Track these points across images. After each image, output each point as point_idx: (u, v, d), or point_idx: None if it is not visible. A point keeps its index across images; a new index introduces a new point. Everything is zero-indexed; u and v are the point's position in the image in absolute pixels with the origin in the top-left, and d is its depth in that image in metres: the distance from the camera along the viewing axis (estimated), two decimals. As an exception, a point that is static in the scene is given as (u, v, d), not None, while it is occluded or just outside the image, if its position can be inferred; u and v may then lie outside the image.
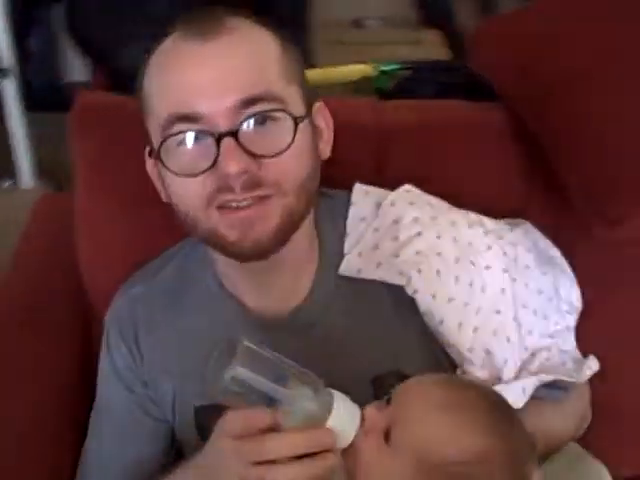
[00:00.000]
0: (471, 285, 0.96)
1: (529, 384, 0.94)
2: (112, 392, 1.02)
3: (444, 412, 0.76)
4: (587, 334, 1.09)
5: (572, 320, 1.08)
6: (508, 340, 0.97)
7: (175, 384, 0.99)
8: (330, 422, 0.76)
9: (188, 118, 0.81)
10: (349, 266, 0.97)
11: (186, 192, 0.85)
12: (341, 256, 0.98)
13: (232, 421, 0.76)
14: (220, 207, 0.84)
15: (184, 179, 0.83)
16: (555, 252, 1.09)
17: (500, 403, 0.80)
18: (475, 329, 0.95)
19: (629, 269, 1.16)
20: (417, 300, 0.94)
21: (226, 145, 0.80)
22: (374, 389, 0.93)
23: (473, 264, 0.97)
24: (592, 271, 1.11)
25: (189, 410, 0.98)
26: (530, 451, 0.78)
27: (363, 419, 0.78)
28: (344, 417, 0.77)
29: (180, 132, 0.82)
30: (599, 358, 1.05)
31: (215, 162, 0.81)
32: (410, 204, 1.00)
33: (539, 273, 1.04)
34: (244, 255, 0.86)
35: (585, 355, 1.07)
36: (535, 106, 1.17)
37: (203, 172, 0.81)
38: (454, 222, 1.00)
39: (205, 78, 0.82)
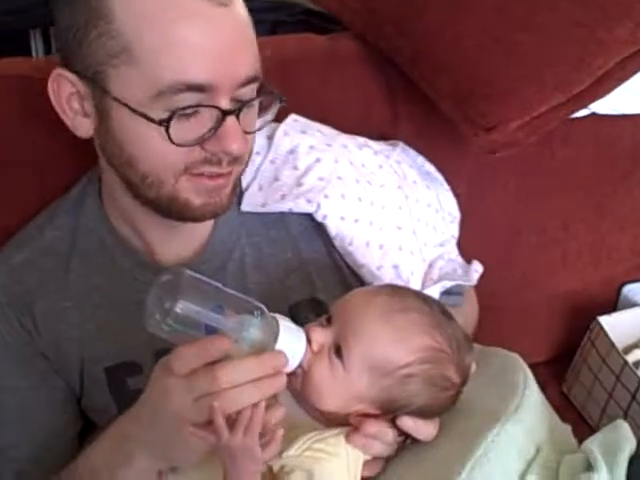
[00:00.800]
0: (372, 204, 0.98)
1: (434, 291, 1.00)
2: (8, 373, 0.93)
3: (389, 318, 0.78)
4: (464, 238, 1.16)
5: (455, 229, 1.14)
6: (412, 253, 1.01)
7: (80, 349, 0.92)
8: (278, 346, 0.75)
9: (198, 88, 0.76)
10: (251, 201, 0.95)
11: (164, 157, 0.80)
12: (240, 193, 0.96)
13: (181, 357, 0.71)
14: (195, 175, 0.81)
15: (168, 145, 0.78)
16: (430, 167, 1.14)
17: (436, 303, 0.83)
18: (381, 246, 0.98)
19: (498, 173, 1.24)
20: (327, 225, 0.95)
21: (231, 124, 0.79)
22: (291, 317, 0.93)
23: (370, 184, 0.99)
24: (464, 179, 1.17)
25: (99, 373, 0.92)
26: (468, 342, 0.82)
27: (309, 340, 0.78)
28: (291, 340, 0.76)
29: (189, 106, 0.77)
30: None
31: (212, 135, 0.79)
32: (302, 133, 1.00)
33: (424, 187, 1.09)
34: (200, 218, 0.85)
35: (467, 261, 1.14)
36: (387, 29, 1.18)
37: (197, 144, 0.79)
38: (346, 145, 1.01)
39: (222, 45, 0.76)
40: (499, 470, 0.78)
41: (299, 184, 0.95)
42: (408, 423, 0.78)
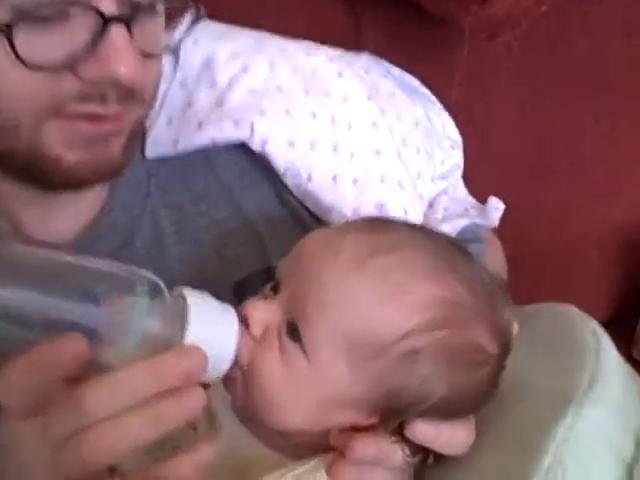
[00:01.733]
0: (333, 121, 0.69)
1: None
2: None
3: (369, 264, 0.48)
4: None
5: (458, 156, 0.85)
6: (400, 185, 0.71)
7: None
8: (189, 338, 0.45)
9: None
10: (158, 142, 0.67)
11: (16, 89, 0.54)
12: (144, 135, 0.67)
13: (7, 382, 0.43)
14: (68, 118, 0.55)
15: (18, 68, 0.52)
16: (413, 80, 0.84)
17: (444, 236, 0.53)
18: (355, 180, 0.69)
19: (502, 80, 0.94)
20: (270, 155, 0.66)
21: (118, 36, 0.53)
22: (239, 300, 0.63)
23: (327, 96, 0.70)
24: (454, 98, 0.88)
25: None
26: (502, 294, 0.52)
27: (245, 322, 0.49)
28: (211, 326, 0.47)
29: (49, 2, 0.51)
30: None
31: (90, 54, 0.53)
32: (219, 38, 0.70)
33: (407, 101, 0.79)
34: (75, 183, 0.59)
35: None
36: None
37: (65, 67, 0.53)
38: (284, 49, 0.72)
39: None
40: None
41: (220, 103, 0.66)
42: (423, 431, 0.48)
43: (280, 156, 0.65)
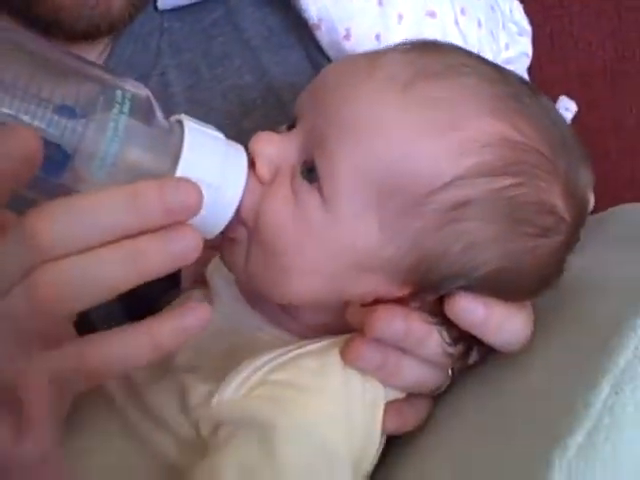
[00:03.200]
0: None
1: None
2: None
3: (414, 87, 0.38)
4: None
5: (526, 44, 0.73)
6: (457, 52, 0.60)
7: None
8: (181, 170, 0.36)
9: None
10: None
11: None
12: None
13: None
14: None
15: None
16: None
17: (515, 74, 0.42)
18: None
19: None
20: (300, 2, 0.55)
21: None
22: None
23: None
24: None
25: None
26: (581, 150, 0.41)
27: (251, 161, 0.39)
28: (211, 159, 0.38)
29: None
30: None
31: None
32: None
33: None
34: (69, 30, 0.51)
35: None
36: None
37: None
38: None
39: None
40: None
41: None
42: (470, 308, 0.38)
43: (313, 1, 0.55)
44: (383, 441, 0.42)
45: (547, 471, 0.34)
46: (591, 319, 0.42)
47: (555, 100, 0.69)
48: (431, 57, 0.39)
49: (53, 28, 0.51)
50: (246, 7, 0.58)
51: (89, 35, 0.52)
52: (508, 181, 0.37)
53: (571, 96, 0.70)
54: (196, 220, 0.35)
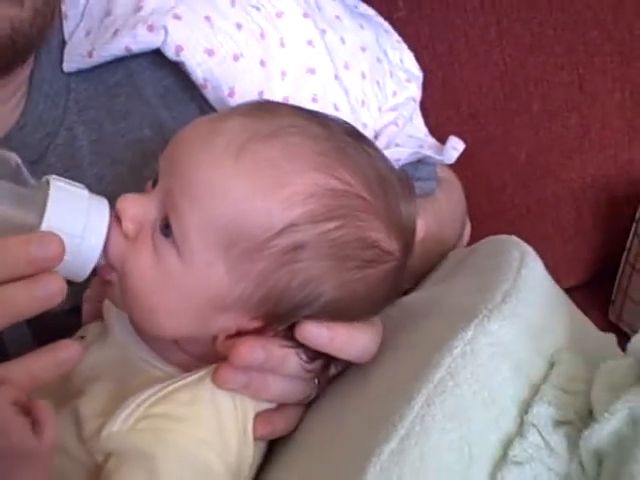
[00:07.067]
0: (263, 37, 0.64)
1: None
2: None
3: (247, 151, 0.44)
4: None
5: (414, 90, 0.80)
6: (335, 107, 0.67)
7: None
8: (46, 223, 0.42)
9: None
10: (74, 52, 0.63)
11: None
12: (63, 46, 0.64)
13: None
14: None
15: None
16: (369, 10, 0.80)
17: (342, 125, 0.49)
18: (285, 99, 0.64)
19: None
20: (186, 63, 0.62)
21: None
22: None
23: (258, 9, 0.65)
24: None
25: None
26: (405, 188, 0.48)
27: (117, 218, 0.45)
28: (74, 213, 0.44)
29: None
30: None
31: None
32: None
33: (355, 26, 0.74)
34: None
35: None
36: None
37: None
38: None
39: None
40: (479, 401, 0.43)
41: (138, 9, 0.62)
42: (315, 333, 0.45)
43: (197, 64, 0.61)
44: (264, 446, 0.49)
45: (362, 475, 0.41)
46: (426, 340, 0.49)
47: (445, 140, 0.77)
48: (263, 120, 0.45)
49: None
50: (144, 70, 0.65)
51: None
52: (331, 225, 0.44)
53: (465, 134, 0.77)
54: (63, 266, 0.41)
